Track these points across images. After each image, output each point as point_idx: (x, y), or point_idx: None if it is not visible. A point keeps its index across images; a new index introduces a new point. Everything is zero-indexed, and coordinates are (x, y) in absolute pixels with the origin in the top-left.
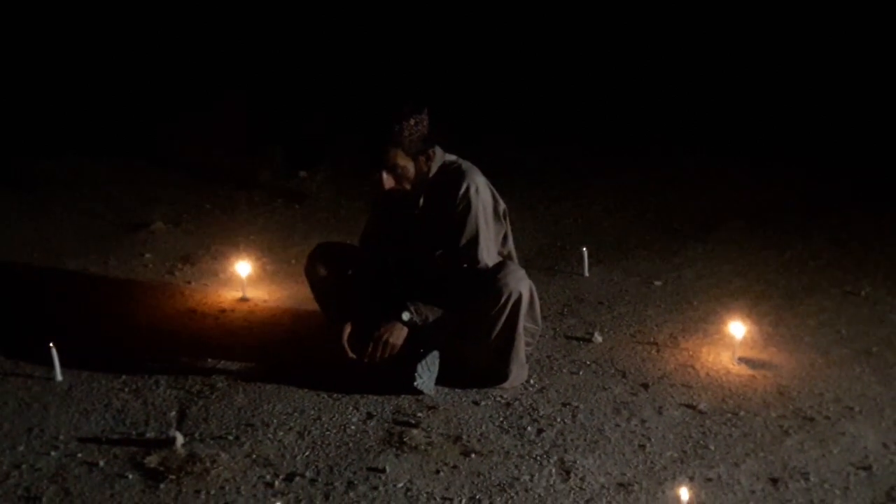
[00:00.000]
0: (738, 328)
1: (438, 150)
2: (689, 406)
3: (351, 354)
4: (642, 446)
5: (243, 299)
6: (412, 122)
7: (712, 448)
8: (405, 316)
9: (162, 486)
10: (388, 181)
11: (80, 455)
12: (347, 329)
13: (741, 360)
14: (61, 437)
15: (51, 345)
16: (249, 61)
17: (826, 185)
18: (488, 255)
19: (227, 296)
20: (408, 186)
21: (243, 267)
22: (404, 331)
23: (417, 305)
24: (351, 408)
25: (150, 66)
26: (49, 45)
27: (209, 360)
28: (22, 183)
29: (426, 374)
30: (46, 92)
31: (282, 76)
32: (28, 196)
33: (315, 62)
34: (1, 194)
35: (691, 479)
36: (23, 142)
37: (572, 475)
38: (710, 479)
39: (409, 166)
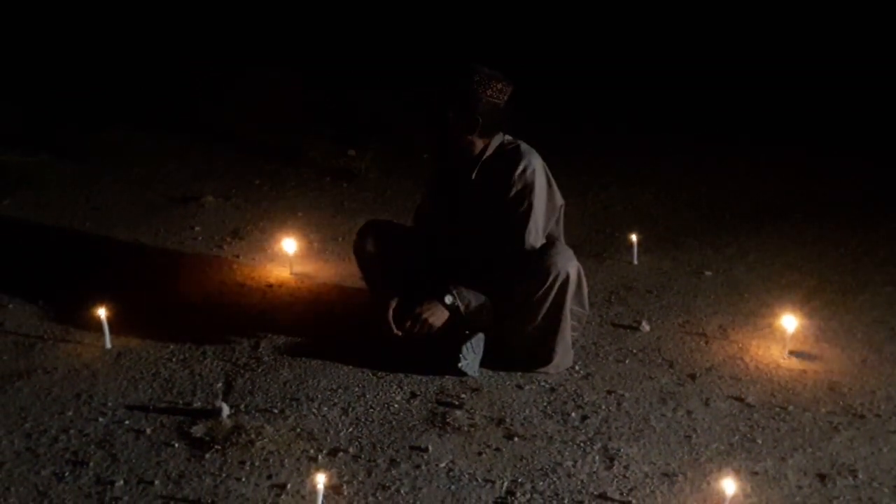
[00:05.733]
0: (789, 322)
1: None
2: (736, 398)
3: (396, 331)
4: (688, 437)
5: (292, 274)
6: (490, 83)
7: (759, 442)
8: (447, 299)
9: (207, 455)
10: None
11: (127, 422)
12: (392, 304)
13: (791, 354)
14: (109, 404)
15: (101, 312)
16: (301, 37)
17: (883, 179)
18: (535, 238)
19: (275, 271)
20: (459, 149)
21: (290, 243)
22: (445, 313)
23: (460, 290)
24: (395, 386)
25: (201, 38)
26: (102, 14)
27: (256, 333)
28: (74, 153)
29: (471, 355)
30: (99, 62)
31: (333, 53)
32: (81, 166)
33: (365, 39)
34: (54, 164)
35: (737, 471)
36: (75, 111)
37: (616, 463)
38: (756, 473)
39: (467, 128)
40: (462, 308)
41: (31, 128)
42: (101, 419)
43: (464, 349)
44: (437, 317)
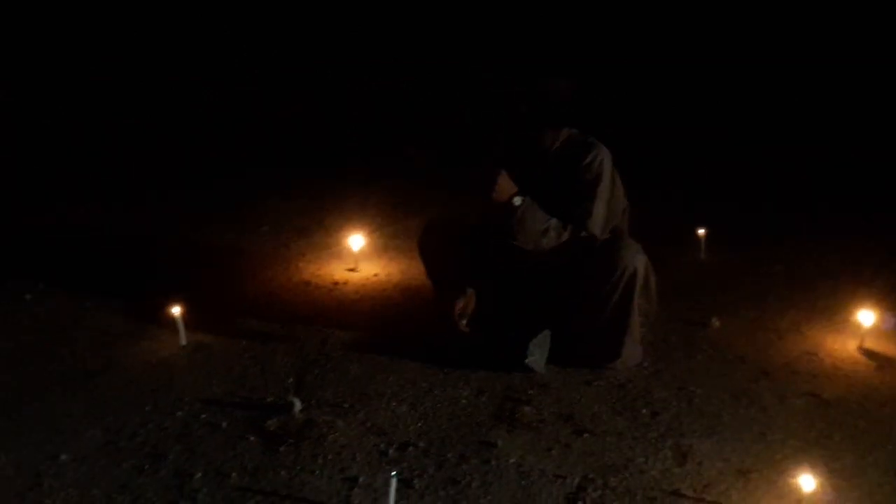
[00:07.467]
0: (866, 316)
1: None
2: (812, 395)
3: (462, 328)
4: (762, 434)
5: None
6: (560, 78)
7: (837, 438)
8: (517, 200)
9: (281, 448)
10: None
11: (203, 416)
12: (459, 302)
13: (868, 349)
14: (186, 399)
15: (175, 310)
16: (358, 38)
17: None
18: (599, 227)
19: (340, 268)
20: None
21: (355, 240)
22: (505, 190)
23: (527, 204)
24: (462, 382)
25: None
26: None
27: (323, 330)
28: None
29: (537, 351)
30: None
31: (391, 50)
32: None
33: (423, 36)
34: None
35: (814, 468)
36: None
37: (689, 459)
38: (834, 470)
39: (538, 121)
40: (518, 213)
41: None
42: (178, 413)
43: (530, 345)
44: (502, 188)
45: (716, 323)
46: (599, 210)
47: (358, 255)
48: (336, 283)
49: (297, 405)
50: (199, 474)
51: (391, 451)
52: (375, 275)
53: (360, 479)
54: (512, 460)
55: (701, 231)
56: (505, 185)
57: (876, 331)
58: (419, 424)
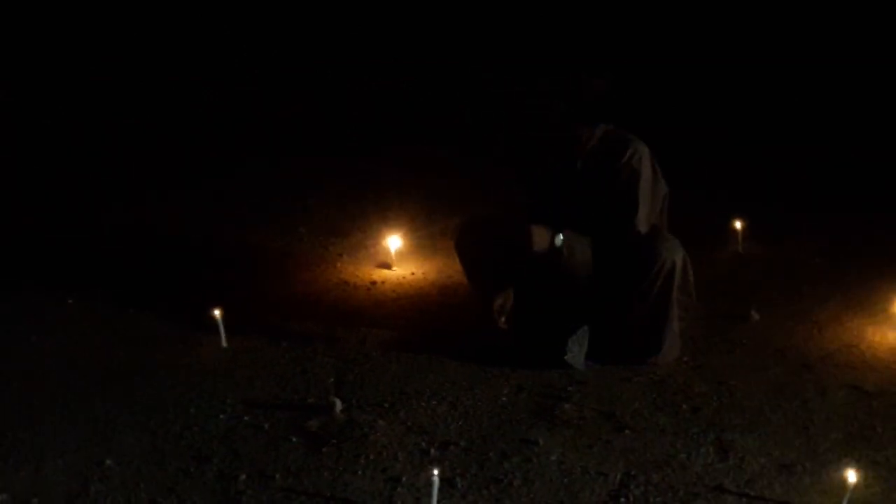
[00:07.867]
0: None
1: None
2: (854, 387)
3: (501, 326)
4: (805, 427)
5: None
6: (596, 72)
7: (880, 430)
8: (557, 240)
9: (324, 449)
10: None
11: (246, 418)
12: (497, 301)
13: None
14: (228, 401)
15: (216, 313)
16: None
17: None
18: (644, 225)
19: (378, 268)
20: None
21: (392, 240)
22: (542, 238)
23: (570, 237)
24: (501, 380)
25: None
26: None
27: (362, 330)
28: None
29: (576, 348)
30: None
31: (414, 53)
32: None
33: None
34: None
35: (857, 461)
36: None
37: (731, 454)
38: (877, 463)
39: (573, 117)
40: (564, 252)
41: None
42: (221, 416)
43: (569, 342)
44: (539, 239)
45: (755, 316)
46: (643, 208)
47: (395, 255)
48: (374, 283)
49: (338, 405)
50: (244, 476)
51: (433, 451)
52: (412, 273)
53: (403, 479)
54: (553, 458)
55: (738, 224)
56: (539, 234)
57: None
58: (460, 423)
